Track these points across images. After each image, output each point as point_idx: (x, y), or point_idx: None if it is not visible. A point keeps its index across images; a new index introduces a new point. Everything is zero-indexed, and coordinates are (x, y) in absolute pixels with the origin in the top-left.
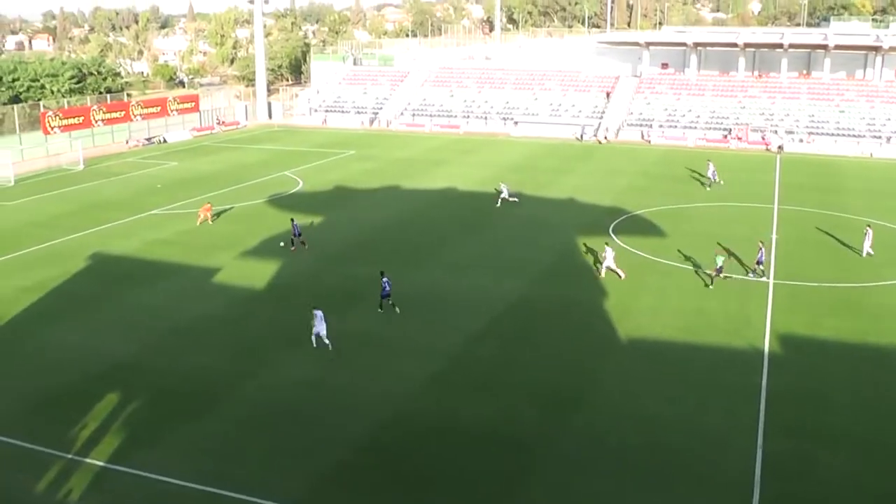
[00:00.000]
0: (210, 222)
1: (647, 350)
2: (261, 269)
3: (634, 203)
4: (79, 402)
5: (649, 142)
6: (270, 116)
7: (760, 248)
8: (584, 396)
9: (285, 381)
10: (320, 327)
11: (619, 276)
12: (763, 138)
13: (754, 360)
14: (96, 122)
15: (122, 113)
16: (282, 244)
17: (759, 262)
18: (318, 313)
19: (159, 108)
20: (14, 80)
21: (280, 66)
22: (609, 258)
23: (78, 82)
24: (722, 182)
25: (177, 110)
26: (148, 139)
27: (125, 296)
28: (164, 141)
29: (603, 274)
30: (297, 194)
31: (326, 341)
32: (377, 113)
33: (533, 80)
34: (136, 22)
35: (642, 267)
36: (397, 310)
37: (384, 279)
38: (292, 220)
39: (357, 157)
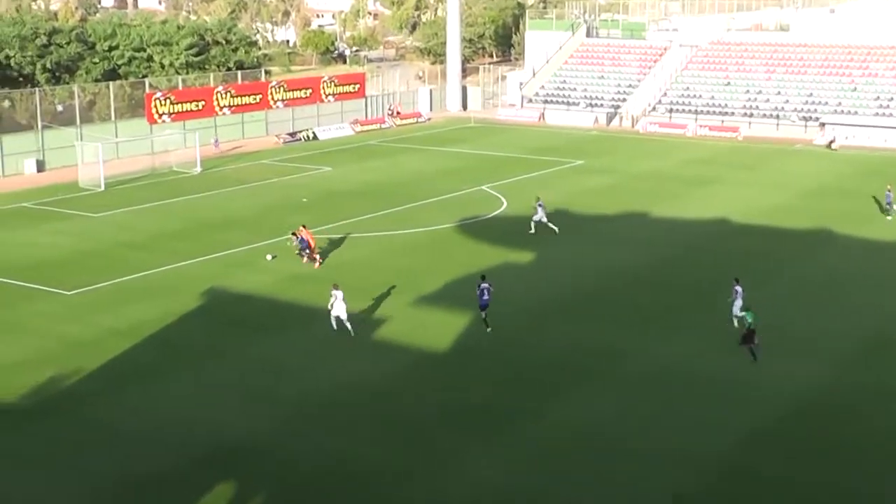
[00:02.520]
0: (299, 253)
1: None
2: (440, 323)
3: None
4: (178, 492)
5: None
6: (465, 107)
7: None
8: None
9: (461, 483)
10: (340, 309)
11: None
12: None
13: None
14: (221, 109)
15: (259, 97)
16: (269, 257)
17: None
18: (338, 293)
19: (310, 92)
20: (111, 50)
21: (481, 36)
22: None
23: (198, 54)
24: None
25: (334, 95)
26: (292, 135)
27: (246, 349)
28: (315, 137)
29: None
30: (498, 219)
31: (348, 325)
32: (618, 106)
33: (851, 60)
34: None
35: None
36: (489, 329)
37: (483, 284)
38: (294, 233)
39: (586, 168)
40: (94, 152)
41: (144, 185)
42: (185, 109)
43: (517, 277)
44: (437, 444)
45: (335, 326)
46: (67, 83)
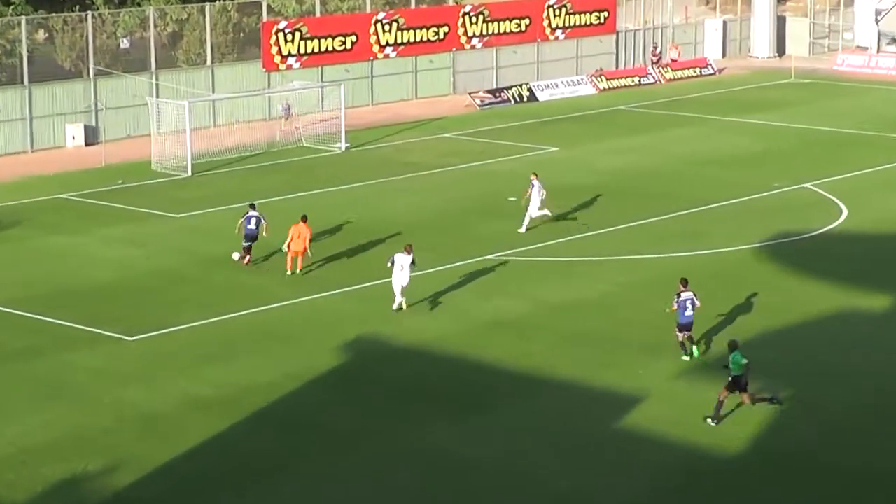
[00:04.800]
0: (308, 254)
1: None
2: (724, 409)
3: None
4: None
5: None
6: (781, 51)
7: None
8: None
9: None
10: (401, 279)
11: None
12: None
13: None
14: (383, 49)
15: (443, 31)
16: (235, 257)
17: None
18: (406, 259)
19: (526, 24)
20: None
21: None
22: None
23: None
24: None
25: (564, 30)
26: (494, 92)
27: (410, 438)
28: (531, 97)
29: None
30: (832, 238)
31: (399, 296)
32: None
33: None
34: None
35: None
36: (686, 356)
37: (685, 294)
38: (252, 205)
39: None
40: (178, 115)
41: (257, 170)
42: (324, 49)
43: (863, 340)
44: None
45: (397, 306)
46: (138, 4)
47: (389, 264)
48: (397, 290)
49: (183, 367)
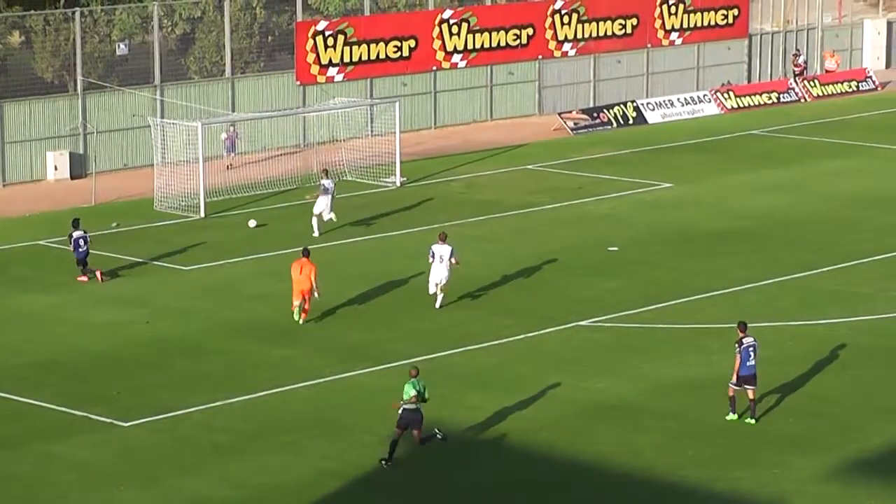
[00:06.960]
0: (315, 295)
1: None
2: None
3: None
4: None
5: None
6: None
7: None
8: None
9: None
10: (439, 275)
11: None
12: None
13: None
14: (449, 56)
15: (527, 33)
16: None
17: None
18: (444, 251)
19: (633, 25)
20: None
21: None
22: None
23: None
24: None
25: (680, 32)
26: (590, 112)
27: None
28: (638, 118)
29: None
30: None
31: (440, 296)
32: None
33: None
34: None
35: None
36: (733, 415)
37: (746, 340)
38: (75, 222)
39: None
40: (188, 140)
41: (288, 211)
42: (374, 56)
43: None
44: None
45: (437, 301)
46: (140, 0)
47: (431, 258)
48: (432, 285)
49: (192, 462)
